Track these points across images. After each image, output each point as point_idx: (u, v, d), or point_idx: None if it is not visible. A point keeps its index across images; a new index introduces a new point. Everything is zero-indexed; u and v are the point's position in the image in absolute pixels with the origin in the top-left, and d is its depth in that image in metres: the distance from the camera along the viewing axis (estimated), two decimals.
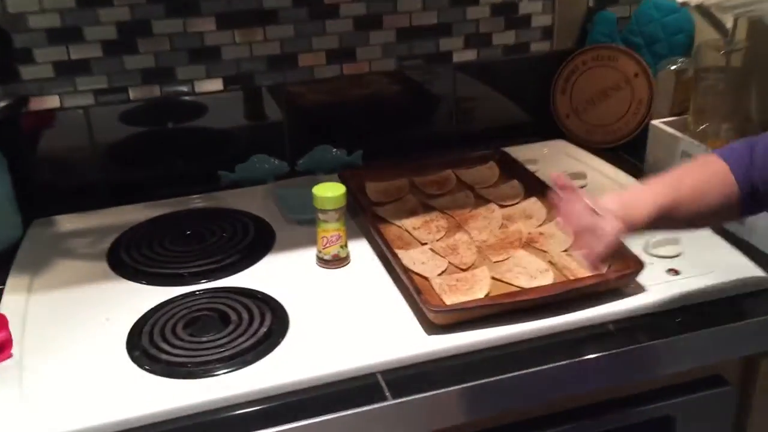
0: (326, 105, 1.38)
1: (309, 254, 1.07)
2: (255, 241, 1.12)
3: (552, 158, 1.37)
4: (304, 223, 1.15)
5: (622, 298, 0.94)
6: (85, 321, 0.94)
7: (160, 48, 1.24)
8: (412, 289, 0.92)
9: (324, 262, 1.05)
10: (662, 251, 1.03)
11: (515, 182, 1.24)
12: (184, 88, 1.28)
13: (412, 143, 1.41)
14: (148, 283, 1.02)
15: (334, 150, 1.34)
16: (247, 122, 1.35)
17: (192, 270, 1.05)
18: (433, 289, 0.96)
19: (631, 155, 1.38)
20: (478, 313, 0.90)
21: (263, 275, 1.04)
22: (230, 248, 1.10)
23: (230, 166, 1.30)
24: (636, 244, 0.99)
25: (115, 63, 1.23)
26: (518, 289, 0.95)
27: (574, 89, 1.44)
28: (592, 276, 0.93)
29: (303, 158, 1.33)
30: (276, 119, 1.35)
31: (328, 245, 1.04)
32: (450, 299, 0.93)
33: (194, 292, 0.99)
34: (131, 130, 1.28)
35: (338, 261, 1.05)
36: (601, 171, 1.30)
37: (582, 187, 1.24)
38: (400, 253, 1.03)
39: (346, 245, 1.05)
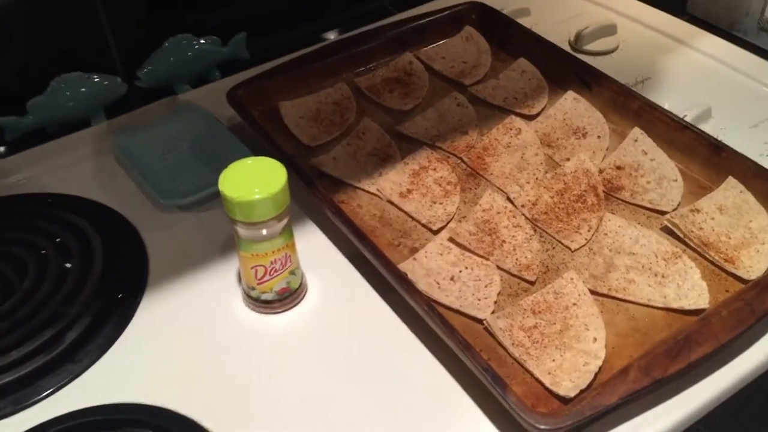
0: None
1: (226, 279, 0.57)
2: (109, 271, 0.58)
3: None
4: (190, 207, 0.63)
5: None
6: None
7: None
8: (491, 382, 0.45)
9: (261, 304, 0.55)
10: None
11: (524, 62, 0.75)
12: None
13: (315, 4, 0.87)
14: None
15: (199, 41, 0.76)
16: (30, 17, 0.73)
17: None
18: (498, 342, 0.50)
19: None
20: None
21: (153, 362, 0.52)
22: (65, 300, 0.56)
23: (17, 105, 0.70)
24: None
25: None
26: (659, 312, 0.51)
27: None
28: None
29: (147, 64, 0.75)
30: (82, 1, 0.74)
31: (267, 278, 0.53)
32: (542, 367, 0.48)
33: None
34: None
35: (289, 298, 0.55)
36: (634, 17, 0.83)
37: (612, 51, 0.78)
38: (407, 267, 0.54)
39: (298, 266, 0.55)
